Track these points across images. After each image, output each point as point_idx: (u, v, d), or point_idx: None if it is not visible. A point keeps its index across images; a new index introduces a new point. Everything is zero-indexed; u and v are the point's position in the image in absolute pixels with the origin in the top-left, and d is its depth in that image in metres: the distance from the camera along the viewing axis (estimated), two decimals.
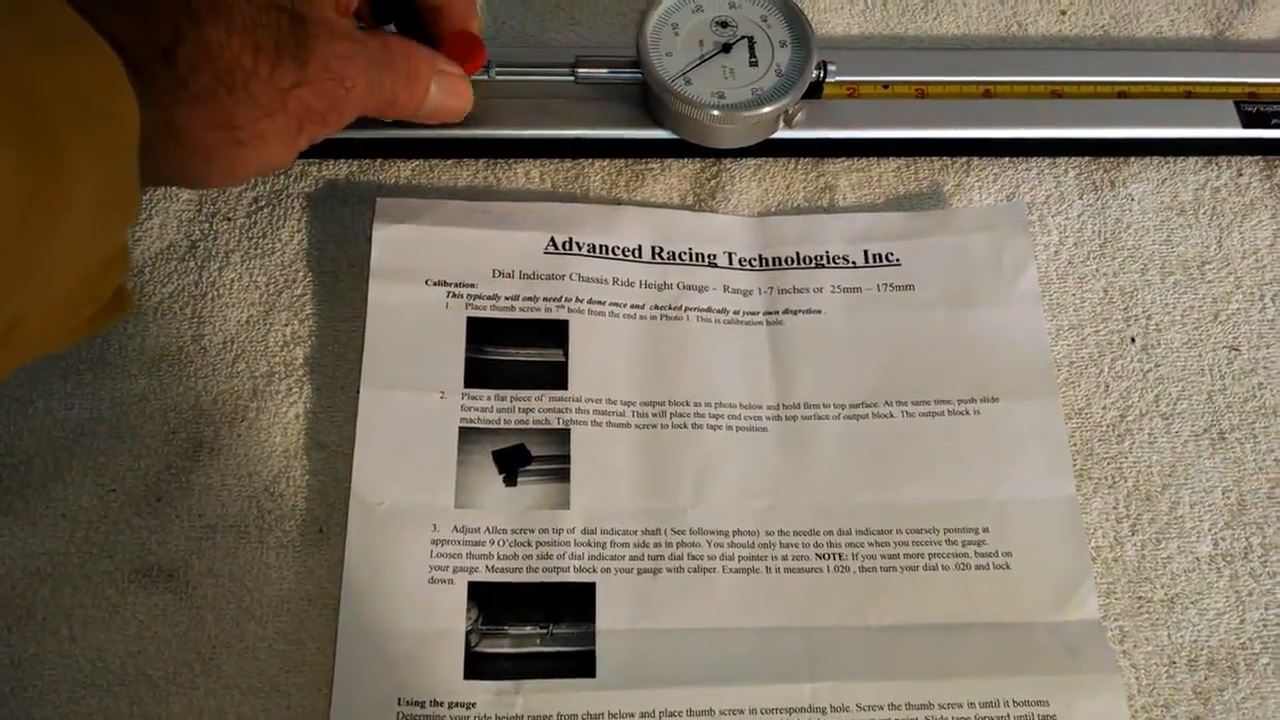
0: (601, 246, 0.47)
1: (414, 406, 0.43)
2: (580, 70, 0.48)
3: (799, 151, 0.50)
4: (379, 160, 0.49)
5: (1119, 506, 0.44)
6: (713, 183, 0.50)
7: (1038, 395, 0.45)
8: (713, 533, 0.42)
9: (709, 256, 0.47)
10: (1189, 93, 0.52)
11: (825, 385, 0.45)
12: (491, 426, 0.43)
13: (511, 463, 0.42)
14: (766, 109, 0.46)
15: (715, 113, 0.46)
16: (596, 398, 0.44)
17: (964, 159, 0.51)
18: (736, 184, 0.50)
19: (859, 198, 0.50)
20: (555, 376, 0.44)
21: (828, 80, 0.49)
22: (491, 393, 0.43)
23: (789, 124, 0.47)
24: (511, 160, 0.50)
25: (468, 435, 0.43)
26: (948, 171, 0.51)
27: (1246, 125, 0.51)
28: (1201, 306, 0.48)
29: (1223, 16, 0.56)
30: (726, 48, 0.48)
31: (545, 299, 0.45)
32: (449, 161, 0.49)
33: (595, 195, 0.49)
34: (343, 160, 0.49)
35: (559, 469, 0.42)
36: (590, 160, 0.50)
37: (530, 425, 0.43)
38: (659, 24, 0.48)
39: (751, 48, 0.48)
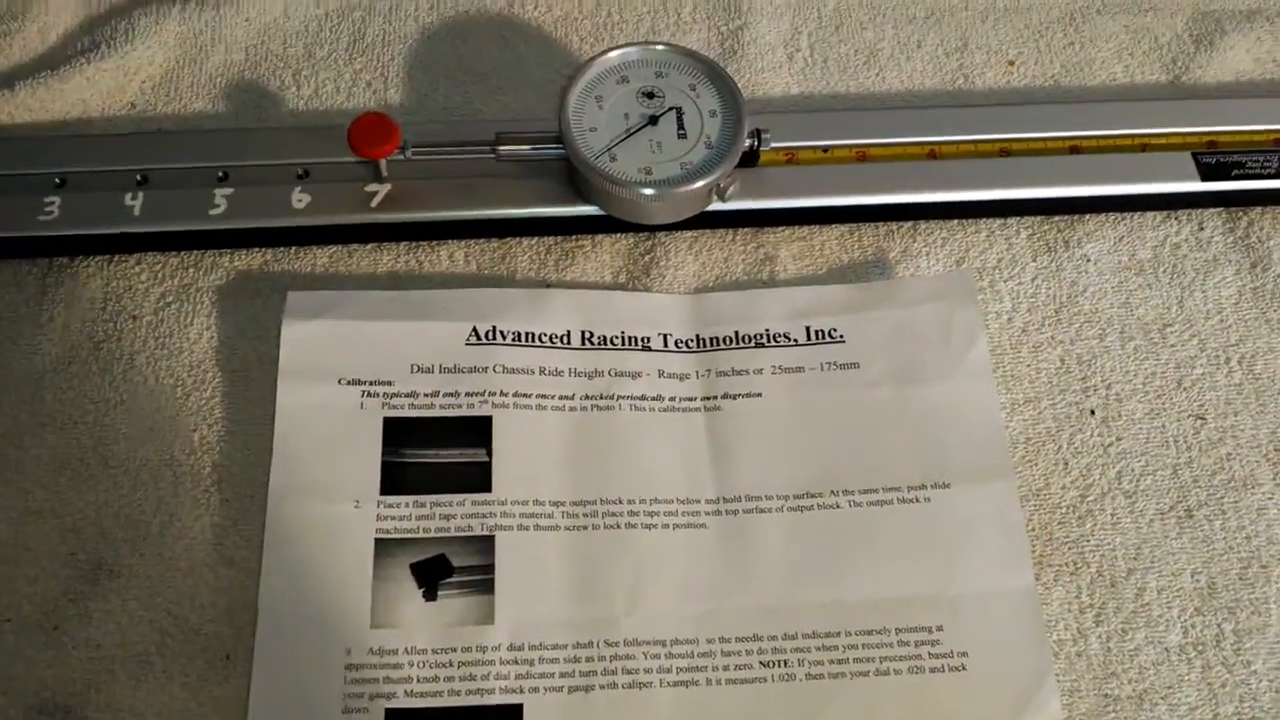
0: (527, 334, 0.44)
1: (326, 518, 0.40)
2: (501, 148, 0.46)
3: (737, 222, 0.48)
4: (294, 249, 0.47)
5: (1082, 595, 0.41)
6: (647, 258, 0.47)
7: (992, 478, 0.42)
8: (649, 643, 0.39)
9: (643, 339, 0.45)
10: (1144, 145, 0.50)
11: (767, 475, 0.42)
12: (410, 536, 0.40)
13: (431, 575, 0.40)
14: (696, 184, 0.44)
15: (642, 191, 0.44)
16: (523, 499, 0.41)
17: (910, 223, 0.49)
18: (672, 258, 0.47)
19: (801, 268, 0.48)
20: (478, 478, 0.41)
21: (763, 148, 0.47)
22: (410, 499, 0.41)
23: (721, 198, 0.45)
24: (435, 242, 0.47)
25: (384, 547, 0.40)
26: (893, 237, 0.48)
27: (1205, 178, 0.48)
28: (1164, 373, 0.46)
29: (1179, 60, 0.54)
30: (653, 120, 0.45)
31: (467, 394, 0.43)
32: (369, 246, 0.47)
33: (523, 276, 0.47)
34: (256, 250, 0.47)
35: (483, 579, 0.40)
36: (518, 239, 0.48)
37: (452, 533, 0.40)
38: (582, 97, 0.46)
39: (680, 119, 0.45)
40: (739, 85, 0.51)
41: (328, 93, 0.51)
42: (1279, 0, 0.56)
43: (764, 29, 0.54)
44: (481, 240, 0.47)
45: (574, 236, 0.48)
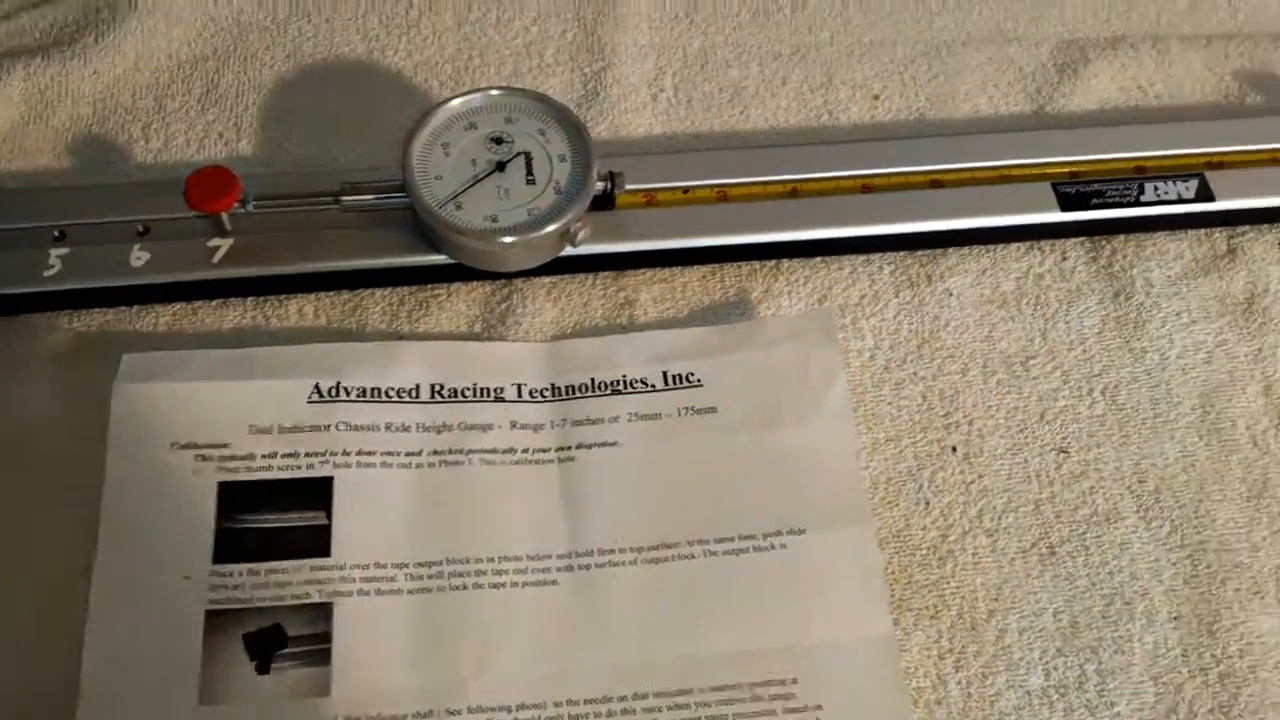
0: (374, 389, 0.43)
1: (155, 590, 0.38)
2: (345, 198, 0.44)
3: (596, 266, 0.47)
4: (135, 308, 0.45)
5: (942, 640, 0.40)
6: (504, 306, 0.46)
7: (849, 522, 0.41)
8: (494, 709, 0.38)
9: (495, 390, 0.44)
10: (1005, 177, 0.50)
11: (621, 527, 0.41)
12: (244, 606, 0.38)
13: (264, 647, 0.38)
14: (544, 230, 0.43)
15: (487, 239, 0.43)
16: (363, 563, 0.40)
17: (773, 262, 0.48)
18: (530, 305, 0.46)
19: (661, 311, 0.47)
20: (317, 542, 0.40)
21: (618, 191, 0.46)
22: (244, 567, 0.39)
23: (573, 243, 0.44)
24: (283, 297, 0.46)
25: (216, 619, 0.38)
26: (756, 277, 0.48)
27: (1064, 208, 0.48)
28: (1026, 406, 0.45)
29: (1043, 90, 0.54)
30: (501, 166, 0.44)
31: (307, 454, 0.41)
32: (214, 303, 0.46)
33: (374, 329, 0.46)
34: (95, 309, 0.45)
35: (320, 649, 0.38)
36: (371, 291, 0.46)
37: (288, 601, 0.39)
38: (428, 144, 0.45)
39: (529, 164, 0.45)
40: (601, 127, 0.51)
41: (178, 145, 0.50)
42: (1143, 25, 0.57)
43: (628, 70, 0.53)
44: (332, 293, 0.46)
45: (429, 286, 0.47)
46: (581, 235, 0.44)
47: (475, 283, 0.47)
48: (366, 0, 0.55)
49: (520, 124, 0.45)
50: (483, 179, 0.44)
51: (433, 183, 0.44)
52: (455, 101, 0.45)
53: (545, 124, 0.46)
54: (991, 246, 0.49)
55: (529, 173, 0.44)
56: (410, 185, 0.43)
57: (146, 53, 0.52)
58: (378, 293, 0.46)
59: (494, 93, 0.46)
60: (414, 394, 0.43)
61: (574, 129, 0.45)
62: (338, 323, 0.46)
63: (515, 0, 0.55)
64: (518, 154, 0.45)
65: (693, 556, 0.41)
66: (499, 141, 0.45)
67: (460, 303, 0.46)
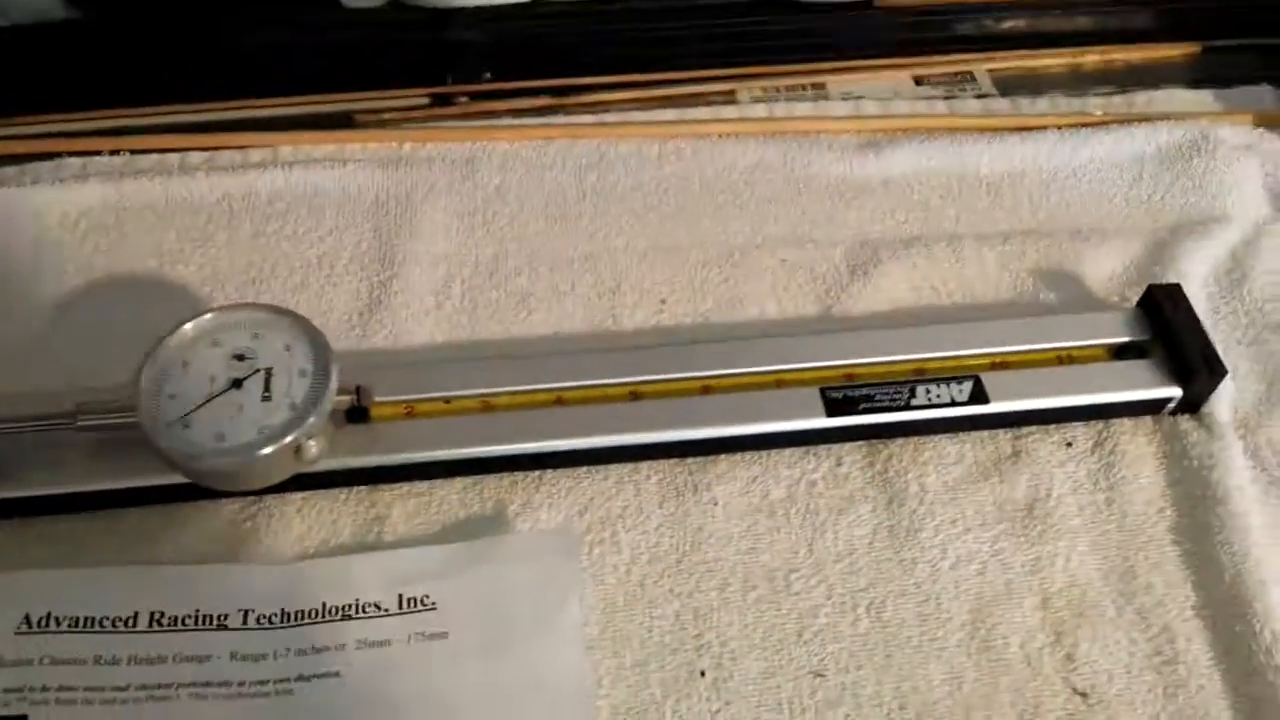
0: (88, 619, 0.41)
1: None
2: (80, 418, 0.44)
3: (349, 481, 0.46)
4: None
5: None
6: (249, 525, 0.45)
7: None
8: None
9: (219, 618, 0.42)
10: (780, 382, 0.49)
11: None
12: None
13: None
14: (268, 449, 0.42)
15: (206, 460, 0.42)
16: None
17: (536, 474, 0.47)
18: (275, 523, 0.45)
19: (413, 527, 0.45)
20: None
21: (369, 403, 0.45)
22: None
23: (303, 460, 0.43)
24: (16, 520, 0.45)
25: None
26: (516, 489, 0.47)
27: (830, 413, 0.47)
28: (784, 625, 0.43)
29: (832, 291, 0.54)
30: (238, 383, 0.44)
31: (4, 691, 0.39)
32: None
33: (112, 553, 0.44)
34: None
35: None
36: (110, 512, 0.45)
37: None
38: (169, 361, 0.44)
39: (268, 381, 0.44)
40: (379, 337, 0.51)
41: None
42: (941, 225, 0.58)
43: (416, 278, 0.54)
44: (70, 516, 0.45)
45: (174, 505, 0.45)
46: (315, 452, 0.43)
47: (224, 500, 0.46)
48: (165, 215, 0.56)
49: (266, 340, 0.45)
50: (217, 396, 0.43)
51: (166, 401, 0.43)
52: (202, 318, 0.45)
53: (292, 339, 0.45)
54: (765, 453, 0.48)
55: (266, 389, 0.44)
56: (138, 404, 0.43)
57: None
58: (121, 514, 0.45)
59: (237, 311, 0.46)
60: (130, 623, 0.41)
61: (317, 343, 0.45)
62: (75, 547, 0.44)
63: (314, 212, 0.56)
64: (257, 370, 0.44)
65: None
66: (241, 358, 0.45)
67: (209, 520, 0.45)
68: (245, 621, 0.42)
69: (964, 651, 0.43)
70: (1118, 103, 0.65)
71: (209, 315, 0.45)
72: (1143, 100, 0.65)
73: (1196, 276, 0.55)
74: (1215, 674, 0.42)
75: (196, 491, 0.45)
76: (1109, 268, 0.56)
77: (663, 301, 0.54)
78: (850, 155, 0.60)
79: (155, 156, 0.58)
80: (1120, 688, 0.42)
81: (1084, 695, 0.41)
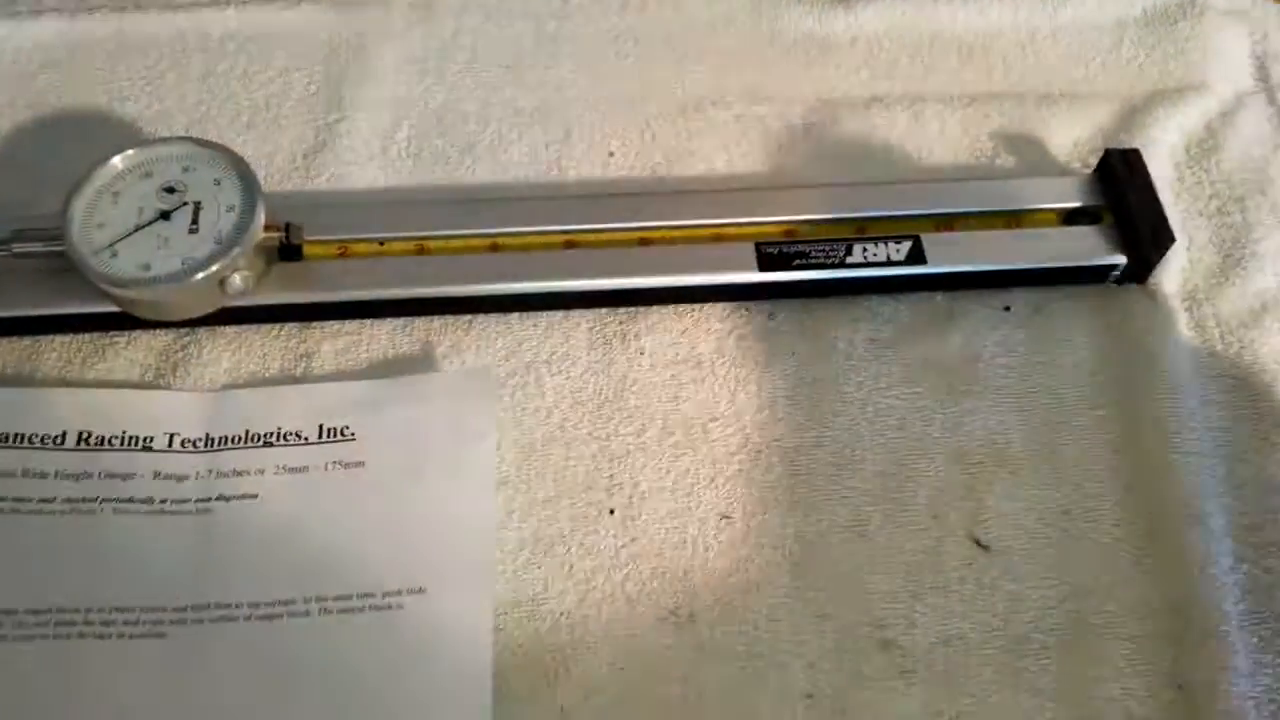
0: (18, 435, 0.43)
1: None
2: (16, 245, 0.45)
3: (278, 317, 0.47)
4: None
5: (556, 707, 0.38)
6: (180, 354, 0.46)
7: (469, 586, 0.40)
8: None
9: (145, 440, 0.43)
10: (718, 236, 0.49)
11: (246, 580, 0.40)
12: None
13: None
14: (192, 279, 0.43)
15: (130, 287, 0.42)
16: None
17: (467, 317, 0.47)
18: (205, 355, 0.46)
19: (341, 365, 0.46)
20: None
21: (298, 241, 0.46)
22: None
23: (228, 293, 0.44)
24: None
25: None
26: (445, 332, 0.47)
27: (763, 268, 0.47)
28: (698, 469, 0.44)
29: (784, 148, 0.53)
30: (166, 215, 0.44)
31: None
32: None
33: (45, 376, 0.45)
34: None
35: None
36: (50, 338, 0.46)
37: None
38: (98, 193, 0.45)
39: (196, 214, 0.44)
40: (322, 179, 0.51)
41: None
42: (908, 85, 0.56)
43: (362, 123, 0.53)
44: (8, 339, 0.46)
45: (109, 334, 0.46)
46: (240, 285, 0.44)
47: (158, 330, 0.46)
48: (116, 53, 0.55)
49: (197, 174, 0.45)
50: (144, 227, 0.44)
51: (93, 231, 0.44)
52: (130, 151, 0.45)
53: (222, 174, 0.45)
54: (696, 306, 0.48)
55: (194, 222, 0.44)
56: (66, 232, 0.43)
57: None
58: (58, 340, 0.46)
59: (171, 143, 0.46)
60: (59, 441, 0.43)
61: (247, 179, 0.45)
62: (12, 368, 0.46)
63: (265, 53, 0.56)
64: (185, 203, 0.45)
65: (307, 614, 0.40)
66: (171, 191, 0.45)
67: (140, 350, 0.46)
68: (170, 444, 0.43)
69: (870, 499, 0.43)
70: None
71: (139, 148, 0.46)
72: None
73: (1165, 144, 0.53)
74: (1120, 533, 0.42)
75: (131, 322, 0.46)
76: (1075, 134, 0.54)
77: (611, 154, 0.53)
78: (820, 10, 0.58)
79: None
80: (1023, 543, 0.42)
81: (986, 547, 0.42)
